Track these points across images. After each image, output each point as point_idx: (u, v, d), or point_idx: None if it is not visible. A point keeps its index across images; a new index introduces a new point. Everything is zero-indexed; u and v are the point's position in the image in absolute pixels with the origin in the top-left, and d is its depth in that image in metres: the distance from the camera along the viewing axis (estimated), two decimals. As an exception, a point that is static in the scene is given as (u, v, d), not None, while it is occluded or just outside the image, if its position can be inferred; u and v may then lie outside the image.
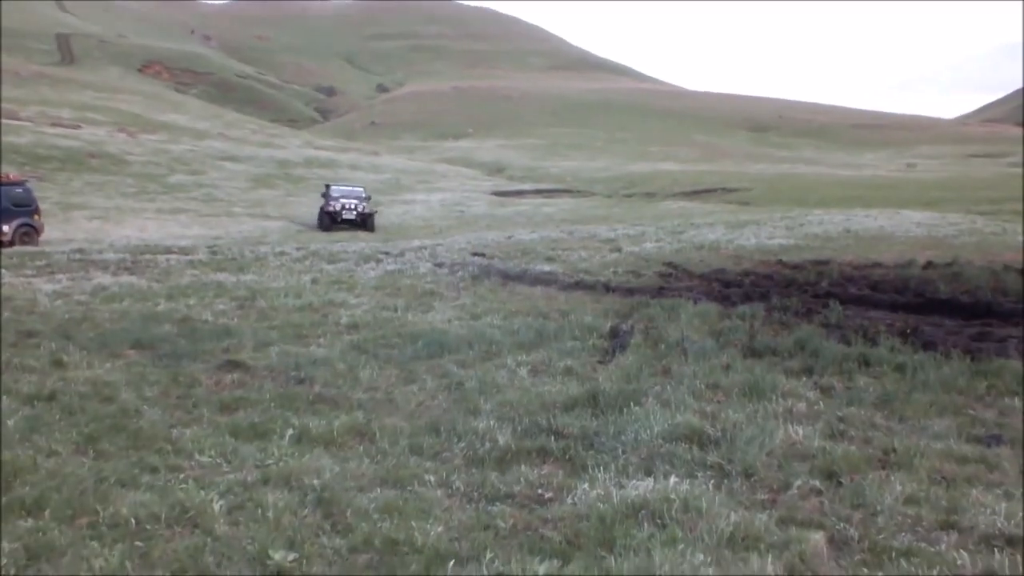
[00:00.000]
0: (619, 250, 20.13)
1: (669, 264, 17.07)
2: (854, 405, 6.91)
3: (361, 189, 36.23)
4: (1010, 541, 4.28)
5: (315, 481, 5.13)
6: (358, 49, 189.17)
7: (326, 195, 34.43)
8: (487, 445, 5.89)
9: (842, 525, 4.56)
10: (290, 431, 6.14)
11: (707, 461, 5.52)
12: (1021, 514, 4.58)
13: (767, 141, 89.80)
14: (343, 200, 33.66)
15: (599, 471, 5.34)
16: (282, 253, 19.01)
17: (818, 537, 4.37)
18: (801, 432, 6.06)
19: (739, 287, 13.87)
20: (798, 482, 5.14)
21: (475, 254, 19.13)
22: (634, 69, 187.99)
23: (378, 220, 34.23)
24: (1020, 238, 19.52)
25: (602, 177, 55.82)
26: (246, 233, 30.60)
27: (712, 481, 5.19)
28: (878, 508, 4.74)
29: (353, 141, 79.06)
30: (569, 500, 4.93)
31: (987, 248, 17.57)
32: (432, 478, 5.29)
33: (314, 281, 14.38)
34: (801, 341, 9.09)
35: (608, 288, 13.74)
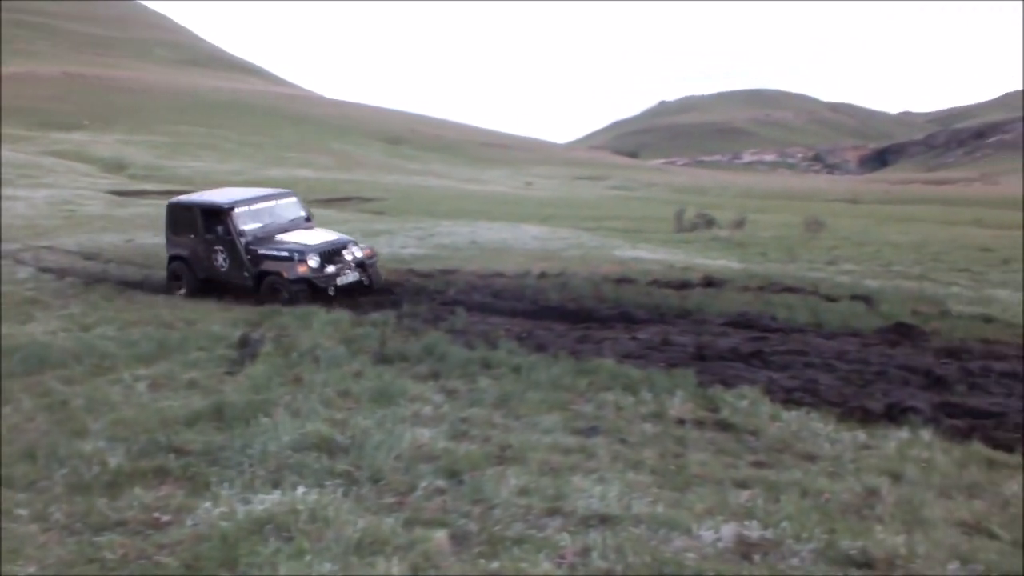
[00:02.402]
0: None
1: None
2: (476, 406, 7.33)
3: None
4: (603, 520, 4.80)
5: None
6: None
7: None
8: (95, 469, 5.42)
9: (463, 521, 4.82)
10: None
11: (336, 469, 5.56)
12: (613, 494, 5.15)
13: (400, 153, 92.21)
14: None
15: (223, 488, 5.15)
16: None
17: (441, 535, 4.58)
18: (427, 434, 6.32)
19: (373, 295, 14.10)
20: (424, 483, 5.35)
21: (87, 258, 17.53)
22: (269, 71, 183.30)
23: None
24: (616, 252, 21.89)
25: (235, 181, 53.72)
26: None
27: (341, 489, 5.23)
28: (495, 502, 5.08)
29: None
30: (189, 522, 4.71)
31: (590, 260, 19.46)
32: (25, 511, 4.76)
33: None
34: (429, 347, 9.47)
35: (238, 295, 13.32)
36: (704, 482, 5.51)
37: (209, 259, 13.92)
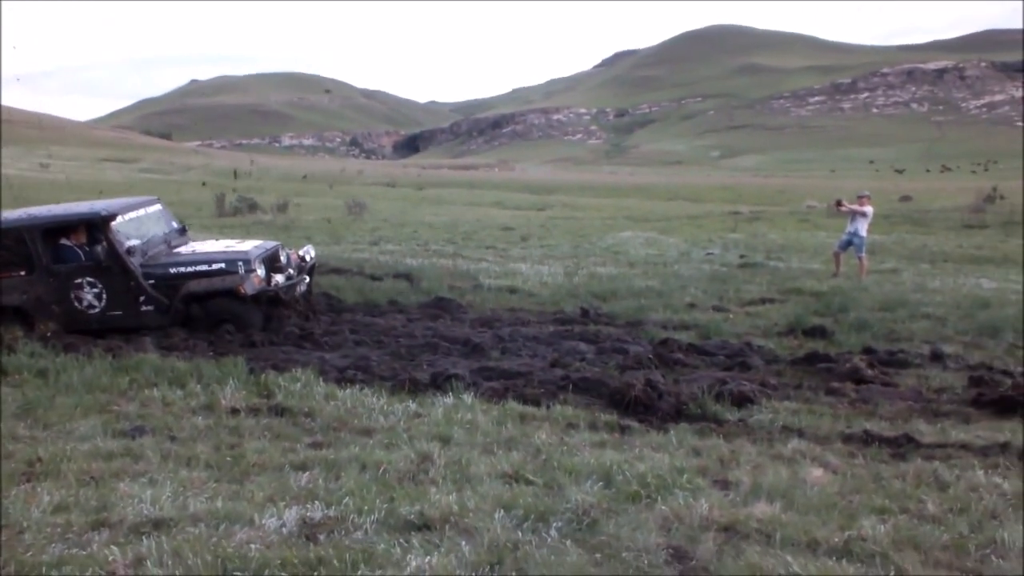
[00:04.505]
0: None
1: None
2: (-7, 419, 6.40)
3: None
4: (157, 524, 4.46)
5: None
6: None
7: None
8: None
9: (-16, 551, 4.16)
10: None
11: None
12: (166, 496, 4.81)
13: None
14: None
15: None
16: None
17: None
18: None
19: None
20: (-71, 516, 4.52)
21: None
22: None
23: None
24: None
25: None
26: None
27: None
28: (25, 524, 4.46)
29: None
30: None
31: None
32: None
33: None
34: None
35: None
36: (263, 470, 5.38)
37: (66, 300, 9.80)
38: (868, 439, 6.02)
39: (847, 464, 5.53)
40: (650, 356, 8.60)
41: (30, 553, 4.15)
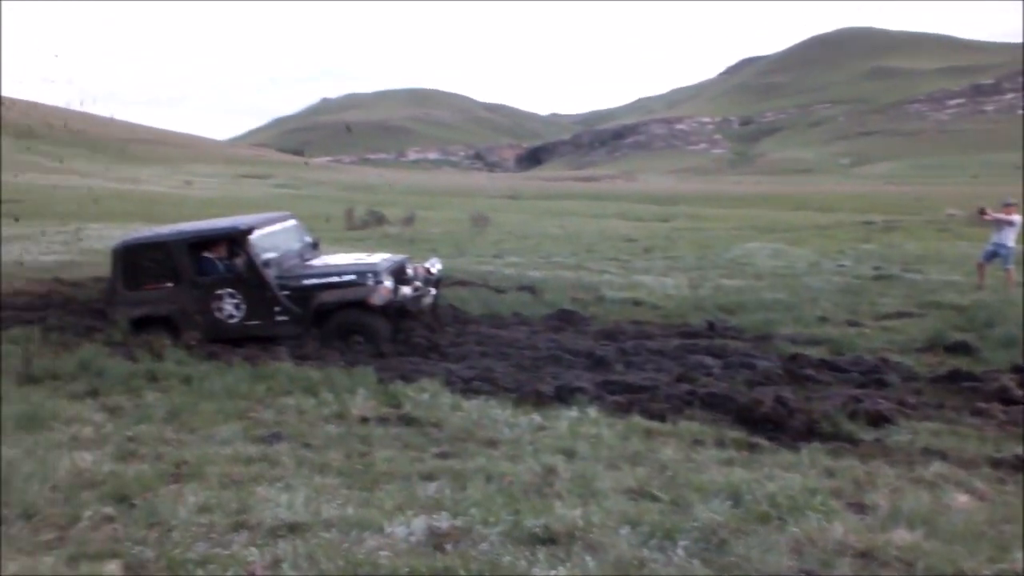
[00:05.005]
0: None
1: (-82, 287, 14.60)
2: (144, 422, 6.78)
3: None
4: (292, 528, 4.62)
5: None
6: None
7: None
8: None
9: (138, 548, 4.40)
10: None
11: (-23, 509, 4.85)
12: (300, 501, 4.99)
13: (33, 149, 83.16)
14: None
15: None
16: None
17: (113, 566, 4.16)
18: (89, 458, 5.72)
19: (12, 309, 12.54)
20: (88, 512, 4.82)
21: None
22: None
23: None
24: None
25: None
26: None
27: (-16, 531, 4.57)
28: (173, 523, 4.71)
29: None
30: None
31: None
32: None
33: None
34: (85, 362, 8.60)
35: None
36: (392, 478, 5.50)
37: (208, 311, 10.35)
38: (1020, 464, 5.67)
39: (996, 491, 5.23)
40: (779, 371, 8.38)
41: (178, 550, 4.37)
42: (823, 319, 11.55)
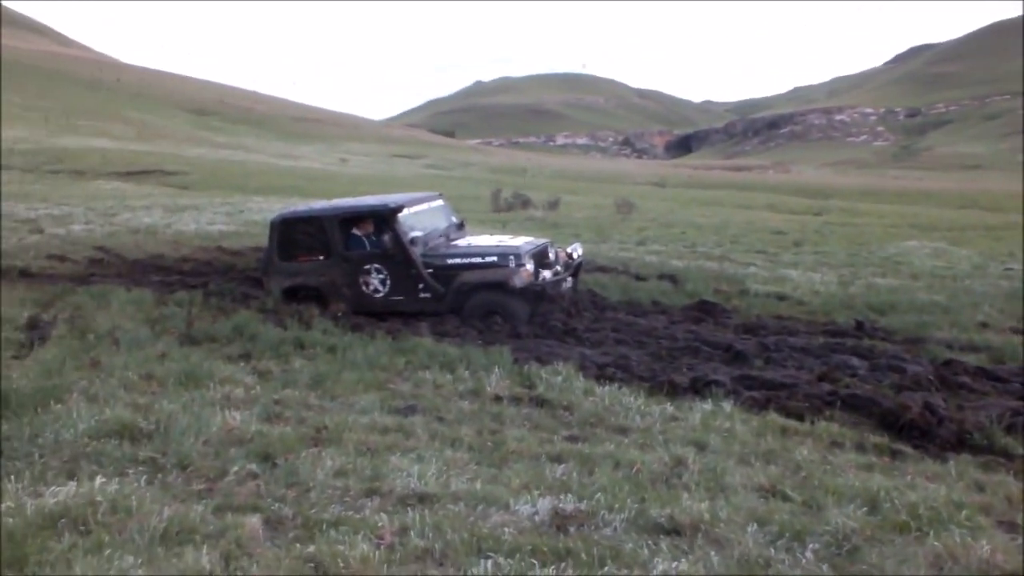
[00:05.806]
0: (40, 231, 18.17)
1: (100, 248, 15.87)
2: (290, 387, 7.12)
3: None
4: (421, 498, 4.77)
5: None
6: None
7: None
8: None
9: (277, 505, 4.65)
10: None
11: (139, 456, 5.23)
12: (431, 473, 5.13)
13: (207, 125, 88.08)
14: None
15: (9, 482, 4.72)
16: None
17: (254, 520, 4.40)
18: (238, 417, 6.06)
19: (178, 273, 13.43)
20: (235, 468, 5.12)
21: None
22: (57, 30, 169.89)
23: None
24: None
25: (20, 149, 49.63)
26: None
27: (145, 477, 4.93)
28: (311, 484, 4.94)
29: None
30: (-32, 522, 4.27)
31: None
32: None
33: None
34: (240, 327, 9.12)
35: (26, 274, 12.32)
36: (521, 457, 5.58)
37: (355, 284, 10.89)
38: None
39: None
40: (931, 377, 7.93)
41: (314, 511, 4.59)
42: (984, 325, 10.86)
